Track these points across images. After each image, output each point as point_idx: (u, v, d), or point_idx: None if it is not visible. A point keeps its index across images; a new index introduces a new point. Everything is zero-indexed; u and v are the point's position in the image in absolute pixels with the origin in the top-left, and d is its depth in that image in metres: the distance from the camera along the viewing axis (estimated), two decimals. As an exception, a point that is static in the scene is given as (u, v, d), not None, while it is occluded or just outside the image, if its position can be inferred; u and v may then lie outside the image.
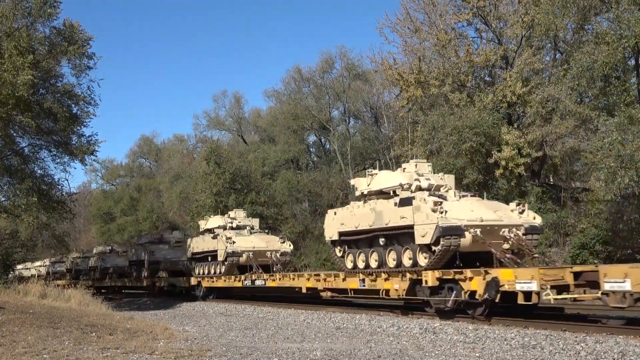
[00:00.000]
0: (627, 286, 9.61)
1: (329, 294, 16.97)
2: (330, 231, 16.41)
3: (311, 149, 46.00)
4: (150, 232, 43.36)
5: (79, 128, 21.19)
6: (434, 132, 24.38)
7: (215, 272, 23.52)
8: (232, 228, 24.04)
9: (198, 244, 24.95)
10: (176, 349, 9.23)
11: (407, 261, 13.88)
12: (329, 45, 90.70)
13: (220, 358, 8.66)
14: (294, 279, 19.05)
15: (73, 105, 20.96)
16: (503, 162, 22.73)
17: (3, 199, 22.34)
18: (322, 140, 43.97)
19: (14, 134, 21.10)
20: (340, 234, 15.97)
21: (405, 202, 13.60)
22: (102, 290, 34.81)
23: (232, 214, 25.18)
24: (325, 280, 16.94)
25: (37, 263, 48.69)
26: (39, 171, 22.02)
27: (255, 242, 22.88)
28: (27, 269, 48.11)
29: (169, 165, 56.55)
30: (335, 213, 16.37)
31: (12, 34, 18.35)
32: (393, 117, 33.80)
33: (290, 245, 23.38)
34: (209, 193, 34.39)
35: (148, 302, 26.18)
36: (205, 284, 24.15)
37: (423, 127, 25.72)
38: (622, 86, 19.88)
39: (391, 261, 14.34)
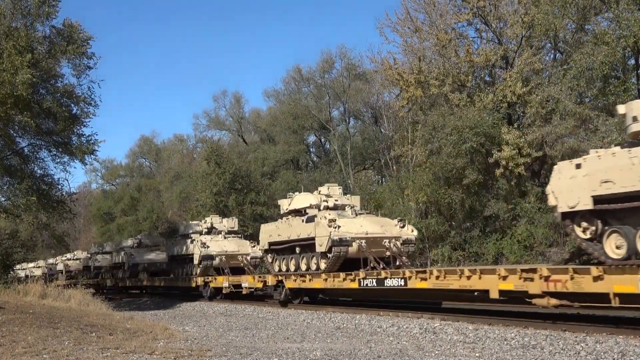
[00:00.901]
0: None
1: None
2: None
3: (311, 149, 46.01)
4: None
5: (78, 128, 21.20)
6: (434, 132, 24.39)
7: (312, 268, 17.79)
8: (328, 208, 18.39)
9: (279, 231, 19.44)
10: (176, 349, 9.23)
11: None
12: (329, 45, 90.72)
13: (220, 358, 8.65)
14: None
15: (73, 106, 20.97)
16: (503, 162, 22.73)
17: (3, 199, 22.35)
18: (322, 140, 43.98)
19: (14, 134, 21.10)
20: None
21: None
22: (138, 291, 33.69)
23: (324, 189, 19.35)
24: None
25: (51, 260, 47.40)
26: (38, 171, 22.03)
27: (366, 226, 17.20)
28: (39, 267, 47.15)
29: (169, 165, 56.56)
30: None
31: (11, 33, 18.33)
32: (393, 117, 33.80)
33: (413, 231, 17.61)
34: (209, 193, 34.40)
35: (148, 302, 26.18)
36: (291, 284, 18.48)
37: (423, 127, 25.73)
38: (622, 86, 19.88)
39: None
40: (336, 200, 18.53)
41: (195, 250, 24.66)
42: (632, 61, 20.73)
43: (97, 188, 66.82)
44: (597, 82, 20.50)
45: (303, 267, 17.88)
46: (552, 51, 25.82)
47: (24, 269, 47.72)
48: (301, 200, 19.06)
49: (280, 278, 19.03)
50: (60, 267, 44.47)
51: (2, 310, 12.88)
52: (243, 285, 21.53)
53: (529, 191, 23.40)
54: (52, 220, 23.26)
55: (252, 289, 21.23)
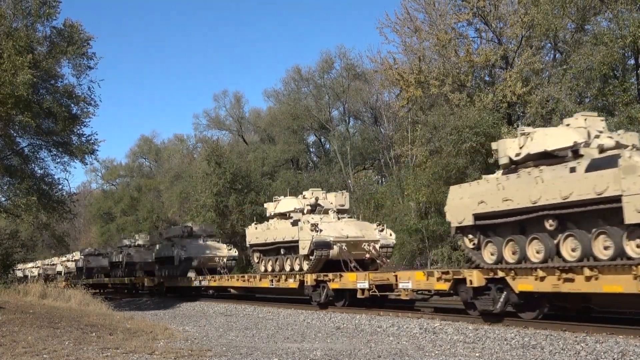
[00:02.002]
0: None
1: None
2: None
3: (311, 149, 46.04)
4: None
5: (78, 128, 21.22)
6: (434, 131, 24.39)
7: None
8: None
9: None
10: (176, 349, 9.23)
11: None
12: (329, 45, 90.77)
13: (220, 358, 8.66)
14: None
15: (73, 106, 20.99)
16: (503, 162, 22.71)
17: (3, 199, 22.37)
18: (322, 140, 44.00)
19: (14, 134, 21.13)
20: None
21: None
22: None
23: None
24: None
25: (63, 258, 45.53)
26: (39, 171, 22.06)
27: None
28: (54, 264, 46.23)
29: (169, 165, 56.60)
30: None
31: (12, 34, 18.35)
32: (393, 117, 33.82)
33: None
34: (209, 193, 34.40)
35: (148, 302, 26.17)
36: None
37: (423, 127, 25.73)
38: (621, 86, 19.90)
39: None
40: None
41: (304, 236, 17.60)
42: (632, 61, 20.74)
43: (97, 188, 66.95)
44: (596, 82, 20.52)
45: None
46: (552, 51, 25.83)
47: (19, 269, 47.45)
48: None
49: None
50: (59, 267, 44.32)
51: (2, 310, 12.89)
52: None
53: (528, 191, 23.37)
54: (52, 220, 23.26)
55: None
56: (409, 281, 13.93)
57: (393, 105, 31.15)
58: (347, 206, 19.85)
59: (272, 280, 19.41)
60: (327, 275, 16.75)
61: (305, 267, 17.71)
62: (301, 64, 43.90)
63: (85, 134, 21.40)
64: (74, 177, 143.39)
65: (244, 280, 21.63)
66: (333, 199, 19.61)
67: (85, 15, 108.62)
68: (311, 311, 16.55)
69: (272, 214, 20.20)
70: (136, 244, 34.21)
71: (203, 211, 34.71)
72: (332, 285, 16.58)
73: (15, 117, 18.98)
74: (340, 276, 16.27)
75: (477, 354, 8.92)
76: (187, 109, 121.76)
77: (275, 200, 20.49)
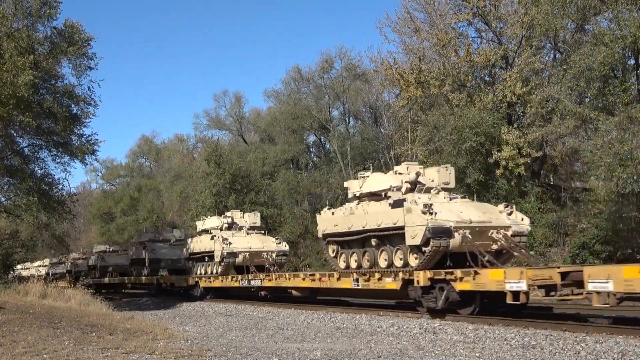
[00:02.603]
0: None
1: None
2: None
3: (311, 149, 46.04)
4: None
5: (78, 128, 21.23)
6: (434, 131, 24.40)
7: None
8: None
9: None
10: (176, 349, 9.24)
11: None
12: (329, 45, 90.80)
13: (220, 358, 8.66)
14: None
15: (73, 106, 20.99)
16: (503, 162, 22.76)
17: (3, 199, 22.38)
18: (322, 140, 44.01)
19: (14, 134, 21.14)
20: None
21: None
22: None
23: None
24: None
25: (74, 255, 42.33)
26: (39, 171, 22.06)
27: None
28: (62, 262, 43.38)
29: (169, 165, 56.63)
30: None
31: (12, 34, 18.37)
32: (393, 117, 33.82)
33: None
34: (209, 193, 34.40)
35: (148, 302, 26.17)
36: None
37: (424, 127, 25.74)
38: (621, 86, 19.91)
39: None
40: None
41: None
42: (632, 61, 20.75)
43: (97, 188, 66.98)
44: (596, 82, 20.53)
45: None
46: (552, 51, 25.86)
47: (27, 268, 47.15)
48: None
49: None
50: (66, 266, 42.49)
51: (2, 310, 12.89)
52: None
53: (529, 191, 23.42)
54: (52, 220, 23.26)
55: None
56: (608, 280, 9.80)
57: (393, 105, 31.17)
58: (452, 184, 15.33)
59: (356, 280, 15.44)
60: (452, 272, 12.66)
61: (414, 262, 13.68)
62: (301, 64, 44.00)
63: (85, 134, 21.42)
64: (74, 177, 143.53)
65: (313, 280, 17.33)
66: (435, 175, 15.13)
67: (86, 16, 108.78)
68: (311, 311, 16.54)
69: (358, 194, 16.21)
70: (160, 238, 31.63)
71: (203, 211, 34.70)
72: (460, 286, 12.48)
73: (15, 117, 19.00)
74: (476, 273, 12.18)
75: (477, 354, 8.92)
76: (187, 109, 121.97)
77: (361, 177, 16.57)
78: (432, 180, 15.04)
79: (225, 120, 49.61)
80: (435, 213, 13.14)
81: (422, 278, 13.24)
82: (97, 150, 21.57)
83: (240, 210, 25.69)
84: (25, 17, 19.38)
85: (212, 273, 23.19)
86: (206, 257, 23.58)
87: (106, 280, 36.13)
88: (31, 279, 36.60)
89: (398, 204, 14.02)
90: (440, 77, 24.95)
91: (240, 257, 21.97)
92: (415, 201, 13.72)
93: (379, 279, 14.75)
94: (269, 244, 22.76)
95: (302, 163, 43.38)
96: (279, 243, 22.90)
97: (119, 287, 35.80)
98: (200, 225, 25.64)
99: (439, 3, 26.80)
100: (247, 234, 23.52)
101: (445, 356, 8.82)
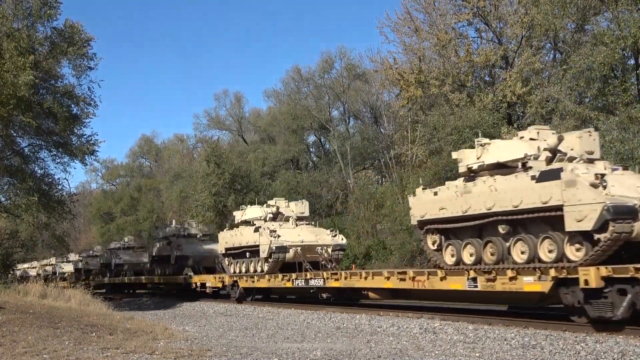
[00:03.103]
0: None
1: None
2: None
3: (311, 149, 46.04)
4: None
5: (78, 128, 21.24)
6: (434, 131, 24.41)
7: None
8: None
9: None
10: (176, 349, 9.24)
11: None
12: (329, 45, 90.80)
13: (220, 358, 8.66)
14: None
15: (73, 106, 21.00)
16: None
17: (3, 199, 22.38)
18: (322, 140, 44.01)
19: (14, 134, 21.14)
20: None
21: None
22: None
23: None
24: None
25: (85, 252, 40.44)
26: (39, 171, 22.09)
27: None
28: (70, 261, 41.45)
29: (169, 165, 56.59)
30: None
31: (13, 34, 18.37)
32: (393, 117, 33.82)
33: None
34: (209, 193, 34.40)
35: (148, 302, 26.18)
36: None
37: (424, 127, 25.74)
38: (621, 86, 19.92)
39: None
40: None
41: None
42: (632, 61, 20.76)
43: (97, 188, 66.95)
44: (596, 82, 20.54)
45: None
46: (552, 51, 25.86)
47: (33, 267, 46.28)
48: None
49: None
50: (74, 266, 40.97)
51: (2, 310, 12.90)
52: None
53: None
54: (52, 221, 23.27)
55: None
56: None
57: (393, 105, 31.17)
58: (597, 154, 11.97)
59: (473, 280, 12.10)
60: None
61: (576, 255, 10.43)
62: (301, 64, 43.89)
63: (85, 134, 21.45)
64: (73, 177, 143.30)
65: (402, 279, 13.82)
66: (576, 143, 11.83)
67: (86, 15, 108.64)
68: (311, 311, 16.55)
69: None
70: (187, 233, 28.96)
71: (202, 211, 34.71)
72: None
73: (16, 117, 19.01)
74: None
75: (477, 354, 8.92)
76: (188, 108, 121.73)
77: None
78: (572, 149, 11.89)
79: (225, 120, 49.62)
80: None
81: (592, 276, 9.75)
82: (97, 151, 21.65)
83: (285, 199, 22.62)
84: (25, 17, 19.39)
85: (255, 271, 20.13)
86: (247, 253, 20.55)
87: (123, 279, 33.14)
88: (37, 278, 36.46)
89: (551, 175, 10.66)
90: (440, 77, 24.95)
91: (292, 252, 18.96)
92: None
93: (512, 278, 11.27)
94: (323, 237, 19.89)
95: (302, 163, 43.38)
96: (335, 236, 19.94)
97: (138, 288, 32.99)
98: (239, 215, 22.34)
99: (439, 3, 26.83)
100: (297, 225, 20.44)
101: (445, 356, 8.82)
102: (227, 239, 21.98)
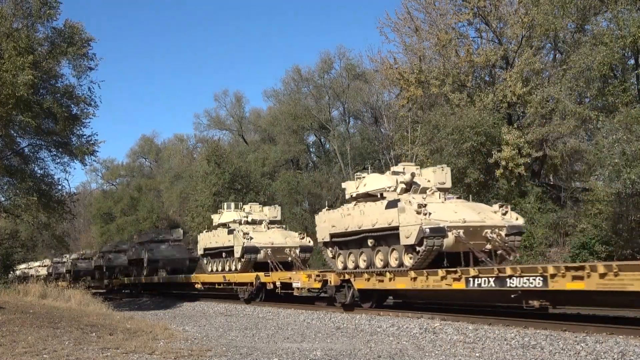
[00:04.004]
0: None
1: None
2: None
3: (311, 149, 46.06)
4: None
5: (78, 128, 21.21)
6: (435, 131, 24.41)
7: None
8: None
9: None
10: (176, 349, 9.24)
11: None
12: (330, 45, 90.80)
13: (220, 358, 8.66)
14: None
15: (73, 106, 20.98)
16: (503, 162, 22.76)
17: (3, 199, 22.37)
18: (322, 140, 44.02)
19: (14, 134, 21.12)
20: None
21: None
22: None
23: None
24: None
25: (107, 246, 36.97)
26: (39, 171, 22.04)
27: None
28: (86, 258, 39.00)
29: (169, 165, 56.61)
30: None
31: (12, 34, 18.36)
32: (393, 117, 33.83)
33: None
34: (209, 193, 34.41)
35: (148, 302, 26.17)
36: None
37: (424, 126, 25.74)
38: (621, 86, 19.92)
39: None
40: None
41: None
42: (632, 61, 20.77)
43: (97, 188, 66.97)
44: (596, 82, 20.54)
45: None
46: (552, 51, 25.87)
47: (44, 266, 45.49)
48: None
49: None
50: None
51: (2, 310, 12.90)
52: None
53: (529, 191, 23.41)
54: (52, 221, 23.25)
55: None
56: None
57: (393, 105, 31.17)
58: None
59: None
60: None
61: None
62: (301, 64, 43.94)
63: (85, 135, 21.42)
64: (74, 177, 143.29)
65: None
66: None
67: (86, 15, 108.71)
68: (311, 311, 16.56)
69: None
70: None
71: (202, 211, 34.71)
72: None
73: (15, 117, 19.00)
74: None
75: (477, 354, 8.92)
76: (188, 108, 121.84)
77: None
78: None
79: (225, 120, 49.66)
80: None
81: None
82: (97, 151, 21.59)
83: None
84: (25, 17, 19.37)
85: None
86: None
87: (155, 278, 29.27)
88: (48, 278, 36.28)
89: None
90: (440, 77, 24.96)
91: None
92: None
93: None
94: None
95: (302, 163, 43.39)
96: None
97: (178, 288, 28.29)
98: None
99: (439, 3, 26.83)
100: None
101: (445, 356, 8.82)
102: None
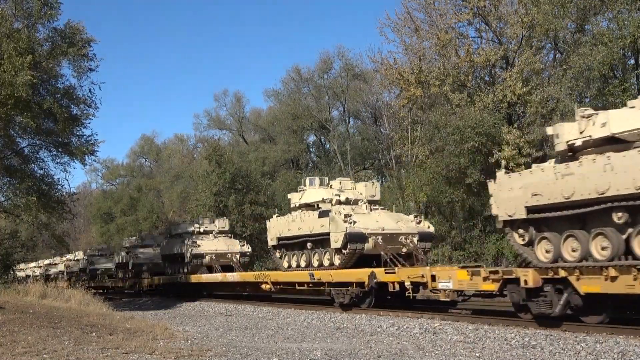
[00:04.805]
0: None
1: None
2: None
3: (311, 149, 46.07)
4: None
5: (78, 129, 21.21)
6: (436, 130, 24.40)
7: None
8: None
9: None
10: (176, 349, 9.24)
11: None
12: (330, 45, 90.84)
13: (220, 358, 8.66)
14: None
15: (73, 107, 20.98)
16: (504, 162, 22.76)
17: (3, 199, 22.38)
18: (322, 140, 44.02)
19: (14, 134, 21.11)
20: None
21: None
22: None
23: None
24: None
25: (130, 240, 34.73)
26: (39, 171, 22.04)
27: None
28: (104, 254, 37.24)
29: (169, 165, 56.62)
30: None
31: (12, 35, 18.35)
32: (393, 117, 33.82)
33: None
34: (209, 193, 34.40)
35: (148, 302, 26.17)
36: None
37: (425, 126, 25.73)
38: (621, 86, 19.91)
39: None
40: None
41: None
42: (632, 61, 20.76)
43: (97, 188, 66.98)
44: (596, 82, 20.55)
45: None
46: (552, 51, 25.84)
47: (54, 264, 44.60)
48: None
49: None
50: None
51: (2, 310, 12.90)
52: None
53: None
54: (52, 220, 23.26)
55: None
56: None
57: (393, 105, 31.16)
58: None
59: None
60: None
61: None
62: (301, 64, 43.95)
63: (85, 135, 21.41)
64: (73, 177, 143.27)
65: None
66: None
67: (86, 15, 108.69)
68: (311, 311, 16.56)
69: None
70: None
71: (203, 211, 34.68)
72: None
73: (15, 117, 18.99)
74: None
75: (477, 354, 8.92)
76: (188, 108, 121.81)
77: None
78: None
79: (225, 120, 49.66)
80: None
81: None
82: (97, 151, 21.58)
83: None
84: (26, 17, 19.35)
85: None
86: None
87: (203, 277, 24.91)
88: (61, 277, 35.93)
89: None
90: (440, 77, 24.93)
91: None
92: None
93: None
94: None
95: (302, 163, 43.38)
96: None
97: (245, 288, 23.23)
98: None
99: (439, 3, 26.78)
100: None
101: (445, 356, 8.82)
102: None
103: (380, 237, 15.92)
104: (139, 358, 8.33)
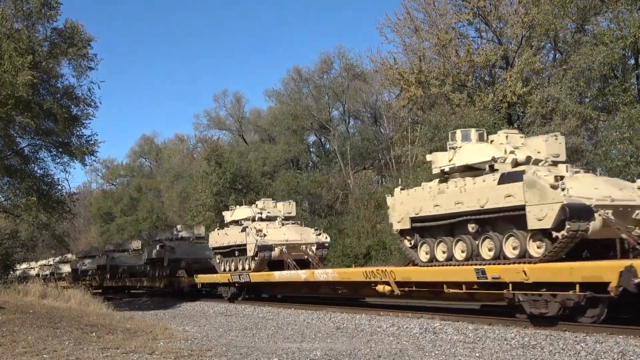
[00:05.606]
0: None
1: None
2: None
3: (311, 149, 46.08)
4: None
5: (78, 129, 21.23)
6: (435, 131, 24.40)
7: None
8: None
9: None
10: (176, 349, 9.24)
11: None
12: (330, 46, 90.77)
13: (220, 358, 8.66)
14: None
15: (73, 107, 21.00)
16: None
17: (3, 199, 22.38)
18: (322, 140, 44.04)
19: (14, 134, 21.14)
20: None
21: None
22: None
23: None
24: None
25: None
26: (39, 171, 22.09)
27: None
28: (125, 250, 34.08)
29: (169, 165, 56.64)
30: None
31: (12, 35, 18.36)
32: (393, 117, 33.84)
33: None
34: (209, 193, 34.41)
35: (148, 302, 26.16)
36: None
37: (425, 126, 25.73)
38: (621, 86, 19.92)
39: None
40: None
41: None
42: (632, 61, 20.77)
43: (97, 188, 67.03)
44: (596, 82, 20.56)
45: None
46: (552, 51, 25.86)
47: (66, 262, 43.48)
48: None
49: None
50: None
51: (2, 310, 12.90)
52: None
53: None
54: (52, 221, 23.27)
55: None
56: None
57: (393, 106, 31.17)
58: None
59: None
60: None
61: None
62: (301, 64, 44.04)
63: (85, 135, 21.43)
64: (73, 177, 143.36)
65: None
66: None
67: (86, 16, 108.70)
68: (311, 311, 16.55)
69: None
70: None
71: (203, 211, 34.72)
72: None
73: (15, 117, 19.01)
74: None
75: (477, 354, 8.92)
76: (188, 108, 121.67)
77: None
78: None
79: (225, 120, 49.67)
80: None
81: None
82: (97, 151, 21.63)
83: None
84: (26, 17, 19.38)
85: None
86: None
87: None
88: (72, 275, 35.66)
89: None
90: (440, 77, 24.95)
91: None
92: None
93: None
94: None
95: (302, 163, 43.40)
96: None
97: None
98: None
99: (439, 3, 26.82)
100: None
101: (445, 356, 8.82)
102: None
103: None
104: (139, 358, 8.33)
